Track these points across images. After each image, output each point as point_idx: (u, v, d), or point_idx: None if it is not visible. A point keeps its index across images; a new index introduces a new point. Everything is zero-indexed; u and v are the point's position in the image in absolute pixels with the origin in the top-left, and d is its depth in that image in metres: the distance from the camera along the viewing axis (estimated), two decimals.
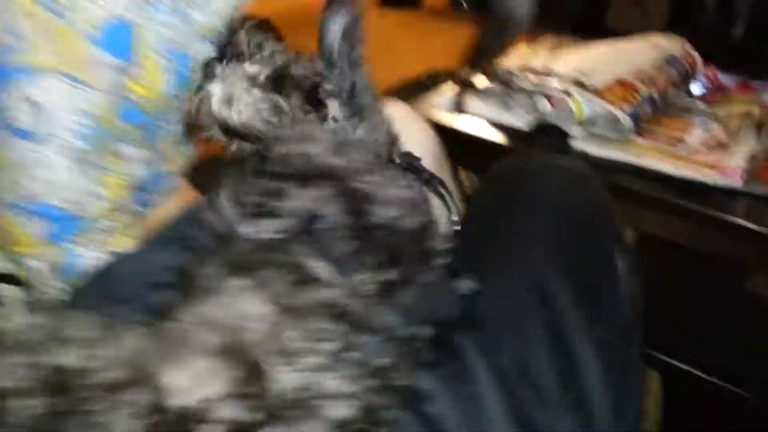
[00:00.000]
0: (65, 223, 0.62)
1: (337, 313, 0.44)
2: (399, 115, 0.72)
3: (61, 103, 0.55)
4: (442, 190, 0.61)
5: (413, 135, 0.69)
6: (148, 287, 0.56)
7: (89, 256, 0.66)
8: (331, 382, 0.41)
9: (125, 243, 0.69)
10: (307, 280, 0.45)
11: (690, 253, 1.03)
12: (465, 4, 4.29)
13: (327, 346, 0.42)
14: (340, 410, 0.41)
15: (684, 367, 1.06)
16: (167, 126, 0.81)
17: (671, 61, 1.11)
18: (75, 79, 0.55)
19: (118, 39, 0.57)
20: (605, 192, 0.70)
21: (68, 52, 0.54)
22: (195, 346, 0.40)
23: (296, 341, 0.41)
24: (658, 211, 0.93)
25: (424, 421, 0.47)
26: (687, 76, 1.13)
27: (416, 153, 0.63)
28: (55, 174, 0.58)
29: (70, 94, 0.55)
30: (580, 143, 1.00)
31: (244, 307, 0.42)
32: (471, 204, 0.69)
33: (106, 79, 0.57)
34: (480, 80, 1.22)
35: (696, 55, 1.18)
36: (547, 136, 1.05)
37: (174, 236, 0.65)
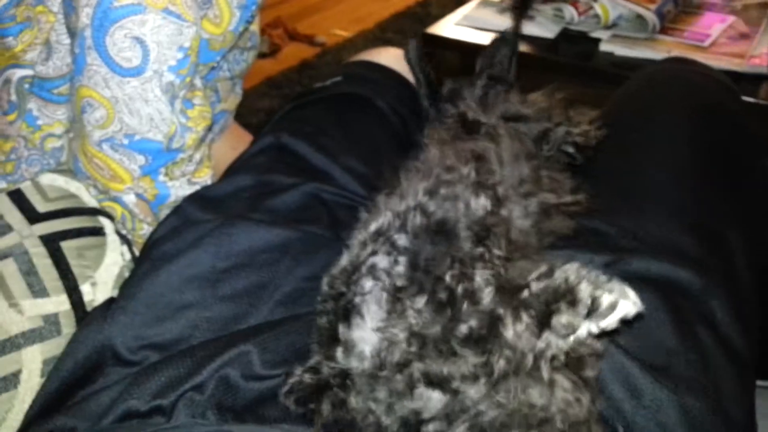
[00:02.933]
0: (160, 156, 0.65)
1: None
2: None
3: (166, 40, 0.57)
4: None
5: None
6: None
7: (178, 187, 0.69)
8: None
9: (206, 174, 0.72)
10: None
11: None
12: None
13: None
14: None
15: None
16: (225, 65, 0.83)
17: None
18: (178, 16, 0.56)
19: None
20: None
21: None
22: None
23: None
24: None
25: None
26: None
27: None
28: (155, 109, 0.60)
29: (173, 31, 0.56)
30: (607, 46, 1.04)
31: None
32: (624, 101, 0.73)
33: (194, 13, 0.59)
34: None
35: None
36: (572, 42, 1.09)
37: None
